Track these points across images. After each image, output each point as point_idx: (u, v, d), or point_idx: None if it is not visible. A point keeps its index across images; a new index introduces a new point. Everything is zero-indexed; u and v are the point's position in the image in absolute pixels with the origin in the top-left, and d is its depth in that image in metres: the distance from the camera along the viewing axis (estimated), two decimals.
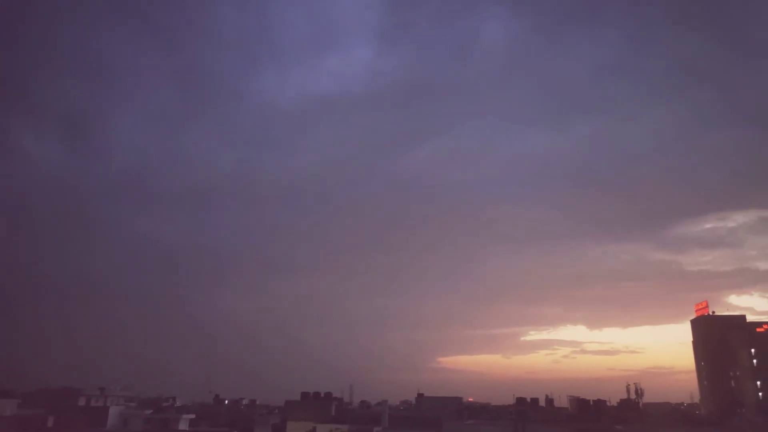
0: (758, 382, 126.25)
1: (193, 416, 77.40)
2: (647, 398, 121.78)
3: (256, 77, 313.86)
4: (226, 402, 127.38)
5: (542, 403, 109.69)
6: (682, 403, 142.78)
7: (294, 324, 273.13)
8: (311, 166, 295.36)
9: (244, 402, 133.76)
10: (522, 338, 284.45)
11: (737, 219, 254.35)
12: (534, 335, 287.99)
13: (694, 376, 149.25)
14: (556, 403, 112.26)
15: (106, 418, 70.32)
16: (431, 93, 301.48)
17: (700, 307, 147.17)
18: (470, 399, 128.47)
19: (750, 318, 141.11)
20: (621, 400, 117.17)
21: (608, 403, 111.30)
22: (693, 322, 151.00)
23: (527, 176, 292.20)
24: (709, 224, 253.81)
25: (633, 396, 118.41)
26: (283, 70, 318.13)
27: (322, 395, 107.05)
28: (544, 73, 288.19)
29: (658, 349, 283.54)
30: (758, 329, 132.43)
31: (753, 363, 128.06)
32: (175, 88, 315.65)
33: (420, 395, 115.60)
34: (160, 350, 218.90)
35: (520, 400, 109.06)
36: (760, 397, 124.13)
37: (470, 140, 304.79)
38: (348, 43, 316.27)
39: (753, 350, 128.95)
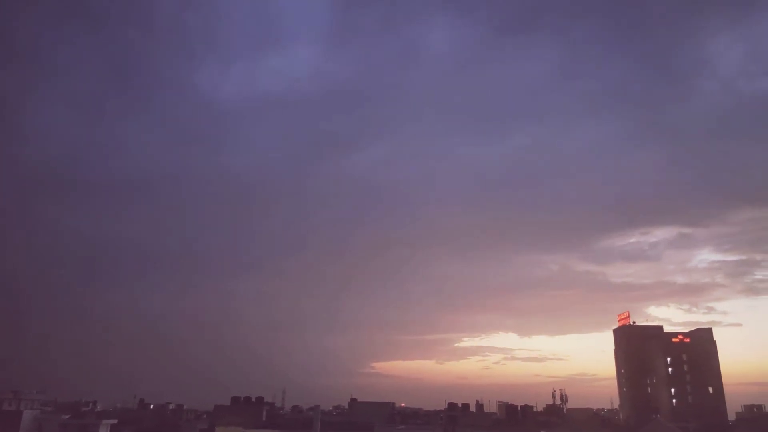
0: (672, 389, 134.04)
1: (114, 421, 73.96)
2: (571, 404, 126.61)
3: (194, 70, 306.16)
4: (152, 407, 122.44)
5: (473, 408, 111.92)
6: (603, 409, 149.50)
7: (225, 326, 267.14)
8: (249, 164, 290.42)
9: (171, 407, 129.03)
10: (455, 344, 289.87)
11: (658, 234, 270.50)
12: (467, 342, 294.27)
13: (614, 382, 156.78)
14: (486, 409, 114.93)
15: (19, 422, 66.00)
16: (376, 96, 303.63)
17: (622, 317, 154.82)
18: (402, 404, 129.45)
19: (667, 328, 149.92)
20: (547, 405, 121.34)
21: (534, 409, 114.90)
22: (615, 331, 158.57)
23: (466, 182, 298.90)
24: (632, 238, 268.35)
25: (558, 402, 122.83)
26: (223, 65, 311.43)
27: (253, 400, 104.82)
28: (486, 82, 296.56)
29: (582, 356, 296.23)
30: (673, 339, 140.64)
31: (668, 371, 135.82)
32: (108, 78, 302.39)
33: (353, 400, 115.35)
34: (80, 353, 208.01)
35: (451, 406, 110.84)
36: (674, 404, 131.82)
37: (413, 144, 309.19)
38: (293, 41, 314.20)
39: (668, 359, 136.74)
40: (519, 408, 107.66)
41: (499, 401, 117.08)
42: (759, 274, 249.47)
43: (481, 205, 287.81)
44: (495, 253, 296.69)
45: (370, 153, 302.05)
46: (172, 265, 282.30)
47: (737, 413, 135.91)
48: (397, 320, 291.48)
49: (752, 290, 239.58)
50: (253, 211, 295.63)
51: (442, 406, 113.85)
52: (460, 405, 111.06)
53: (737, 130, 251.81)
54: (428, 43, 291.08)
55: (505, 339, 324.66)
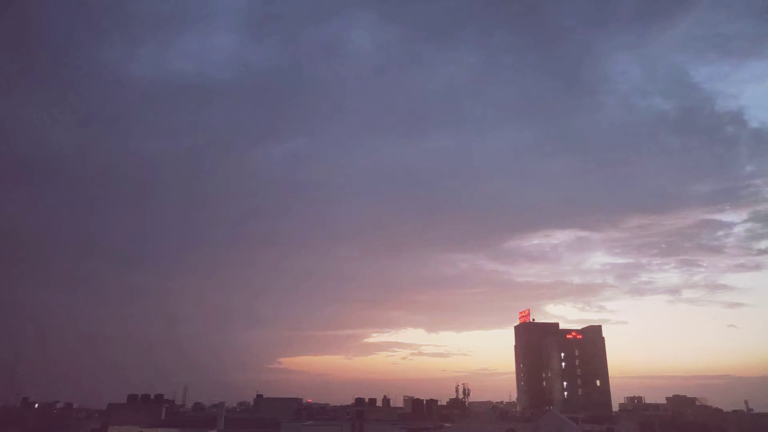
0: (565, 383, 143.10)
1: None
2: (473, 397, 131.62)
3: (101, 47, 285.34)
4: (36, 405, 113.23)
5: (380, 403, 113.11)
6: (502, 402, 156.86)
7: (122, 320, 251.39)
8: (157, 149, 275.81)
9: (59, 405, 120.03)
10: (365, 340, 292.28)
11: (559, 237, 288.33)
12: (376, 337, 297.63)
13: (514, 377, 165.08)
14: (393, 403, 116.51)
15: None
16: (294, 89, 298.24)
17: (523, 314, 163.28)
18: (309, 400, 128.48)
19: (562, 325, 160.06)
20: (450, 399, 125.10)
21: (439, 403, 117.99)
22: (516, 328, 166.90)
23: (382, 181, 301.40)
24: (536, 240, 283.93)
25: (460, 395, 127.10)
26: (133, 44, 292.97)
27: (152, 397, 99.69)
28: (406, 83, 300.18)
29: (486, 352, 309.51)
30: (568, 336, 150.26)
31: (562, 365, 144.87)
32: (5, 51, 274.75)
33: (259, 396, 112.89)
34: None
35: (359, 401, 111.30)
36: (566, 396, 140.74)
37: (330, 140, 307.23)
38: (210, 26, 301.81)
39: (562, 354, 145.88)
40: (424, 402, 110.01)
41: (405, 396, 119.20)
42: (644, 277, 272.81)
43: (395, 203, 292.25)
44: (407, 250, 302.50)
45: (286, 146, 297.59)
46: (64, 253, 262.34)
47: (620, 404, 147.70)
48: (306, 315, 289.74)
49: (638, 291, 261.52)
50: (159, 200, 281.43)
51: (350, 402, 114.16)
52: (367, 400, 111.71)
53: (633, 143, 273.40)
54: (351, 39, 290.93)
55: (413, 335, 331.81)
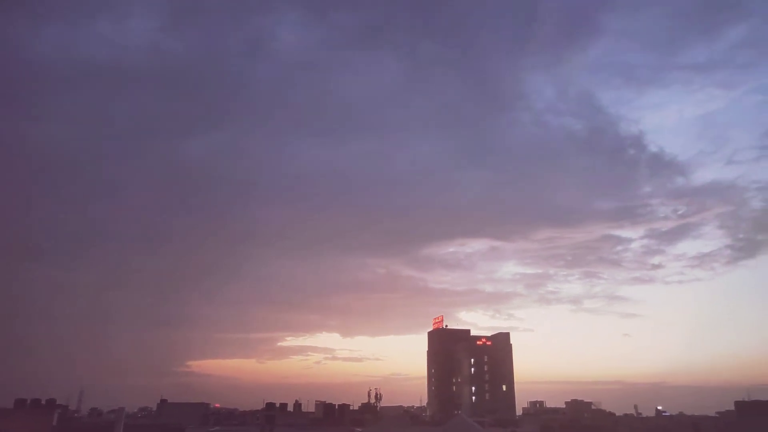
0: (473, 387, 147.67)
1: None
2: (385, 402, 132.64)
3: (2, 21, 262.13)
4: None
5: (291, 407, 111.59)
6: (413, 406, 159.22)
7: (8, 317, 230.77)
8: (63, 135, 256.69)
9: None
10: (278, 343, 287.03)
11: (474, 246, 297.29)
12: (290, 341, 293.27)
13: (426, 382, 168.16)
14: (305, 408, 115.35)
15: None
16: (215, 82, 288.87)
17: (437, 320, 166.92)
18: (217, 405, 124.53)
19: (474, 332, 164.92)
20: (362, 404, 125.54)
21: (351, 407, 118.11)
22: (429, 333, 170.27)
23: (302, 183, 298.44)
24: (452, 248, 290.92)
25: (372, 400, 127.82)
26: (39, 22, 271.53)
27: (43, 402, 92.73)
28: (329, 86, 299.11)
29: (399, 357, 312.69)
30: (478, 342, 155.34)
31: (471, 371, 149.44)
32: None
33: (163, 401, 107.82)
34: None
35: (269, 405, 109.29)
36: (474, 400, 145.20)
37: (250, 138, 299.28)
38: (128, 10, 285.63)
39: (472, 360, 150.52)
40: (336, 407, 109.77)
41: (317, 401, 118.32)
42: (551, 287, 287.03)
43: (314, 206, 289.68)
44: (325, 254, 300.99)
45: (203, 141, 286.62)
46: None
47: (524, 408, 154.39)
48: (217, 317, 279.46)
49: (544, 300, 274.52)
50: (59, 190, 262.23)
51: (261, 406, 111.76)
52: (278, 405, 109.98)
53: (545, 159, 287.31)
54: (276, 37, 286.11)
55: (328, 339, 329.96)
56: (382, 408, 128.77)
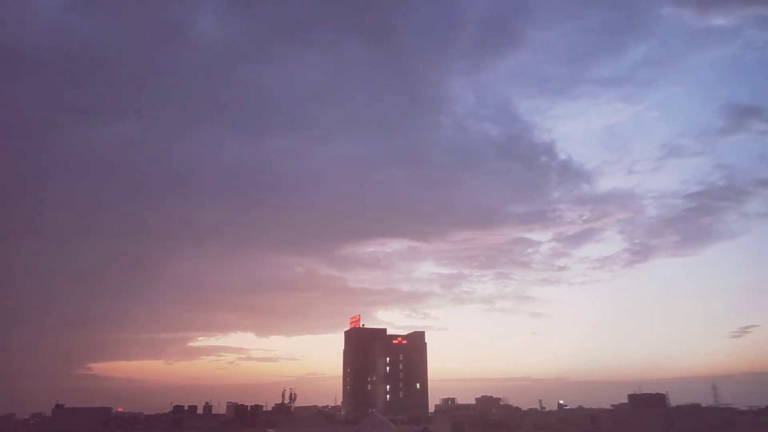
0: (388, 386, 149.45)
1: None
2: (300, 402, 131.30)
3: None
4: None
5: (201, 410, 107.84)
6: (327, 406, 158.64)
7: None
8: None
9: None
10: (189, 344, 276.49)
11: (393, 246, 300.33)
12: (202, 341, 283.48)
13: (341, 381, 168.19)
14: (216, 410, 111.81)
15: None
16: (130, 70, 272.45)
17: (354, 319, 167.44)
18: (120, 409, 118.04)
19: (390, 331, 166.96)
20: (276, 404, 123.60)
21: (264, 408, 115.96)
22: (346, 333, 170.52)
23: (217, 177, 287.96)
24: (371, 248, 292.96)
25: (287, 401, 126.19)
26: None
27: None
28: (250, 80, 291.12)
29: (316, 356, 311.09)
30: (394, 341, 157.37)
31: (386, 370, 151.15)
32: None
33: (58, 406, 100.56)
34: None
35: (177, 408, 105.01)
36: (388, 399, 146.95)
37: (167, 131, 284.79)
38: None
39: (388, 359, 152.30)
40: (249, 408, 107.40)
41: (229, 402, 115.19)
42: (465, 287, 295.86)
43: (232, 201, 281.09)
44: (242, 251, 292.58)
45: (118, 131, 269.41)
46: None
47: (436, 405, 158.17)
48: (122, 317, 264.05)
49: (459, 300, 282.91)
50: None
51: (168, 410, 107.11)
52: (187, 407, 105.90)
53: (464, 163, 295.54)
54: (196, 25, 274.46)
55: (242, 339, 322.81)
56: (297, 408, 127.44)
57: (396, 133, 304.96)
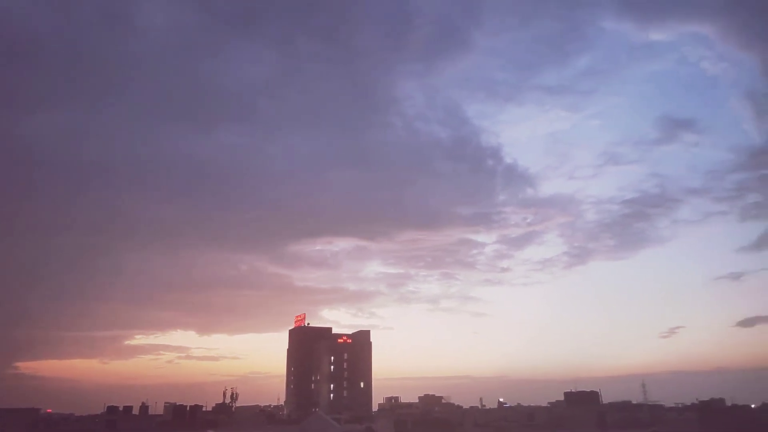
0: (332, 385, 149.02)
1: None
2: (242, 402, 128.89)
3: None
4: None
5: (137, 411, 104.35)
6: (270, 405, 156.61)
7: None
8: None
9: None
10: (126, 342, 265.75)
11: (340, 245, 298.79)
12: (140, 339, 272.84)
13: (285, 380, 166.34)
14: (153, 410, 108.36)
15: None
16: (68, 56, 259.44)
17: (299, 318, 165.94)
18: (49, 410, 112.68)
19: (335, 330, 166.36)
20: (216, 404, 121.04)
21: (204, 408, 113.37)
22: (291, 331, 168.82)
23: (160, 170, 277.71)
24: (318, 246, 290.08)
25: (228, 400, 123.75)
26: None
27: None
28: (198, 72, 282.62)
29: (259, 355, 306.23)
30: (339, 340, 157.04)
31: (330, 369, 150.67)
32: None
33: None
34: None
35: (111, 409, 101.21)
36: (332, 398, 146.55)
37: (107, 120, 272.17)
38: None
39: (332, 358, 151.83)
40: (188, 408, 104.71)
41: (167, 402, 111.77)
42: (411, 286, 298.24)
43: (175, 196, 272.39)
44: (184, 247, 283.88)
45: (49, 118, 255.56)
46: None
47: (380, 404, 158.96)
48: (54, 314, 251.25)
49: (404, 299, 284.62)
50: None
51: (101, 410, 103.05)
52: (122, 408, 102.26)
53: (413, 164, 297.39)
54: (141, 13, 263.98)
55: (183, 337, 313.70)
56: (238, 408, 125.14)
57: (347, 132, 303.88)
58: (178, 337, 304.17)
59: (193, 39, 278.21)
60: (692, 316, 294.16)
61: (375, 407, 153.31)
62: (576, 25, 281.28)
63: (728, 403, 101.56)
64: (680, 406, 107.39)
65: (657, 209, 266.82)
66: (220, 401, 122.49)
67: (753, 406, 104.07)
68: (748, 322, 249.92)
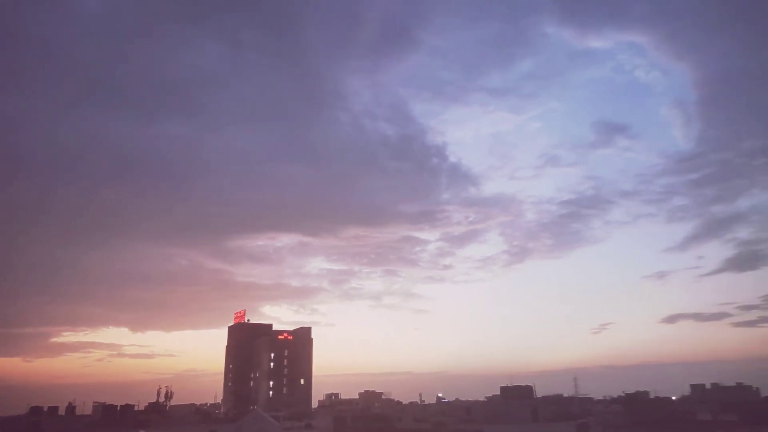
0: (271, 382, 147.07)
1: None
2: (177, 400, 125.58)
3: None
4: None
5: (63, 411, 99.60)
6: (206, 403, 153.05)
7: None
8: None
9: None
10: (53, 339, 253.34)
11: (283, 240, 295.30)
12: (69, 336, 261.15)
13: (222, 378, 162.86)
14: (81, 411, 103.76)
15: None
16: (5, 43, 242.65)
17: (239, 314, 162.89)
18: None
19: (276, 326, 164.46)
20: (149, 403, 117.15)
21: (137, 407, 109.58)
22: (230, 328, 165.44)
23: (96, 161, 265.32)
24: (261, 242, 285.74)
25: (162, 399, 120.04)
26: None
27: None
28: (137, 60, 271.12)
29: (196, 352, 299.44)
30: (279, 337, 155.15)
31: (270, 366, 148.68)
32: None
33: None
34: None
35: (35, 410, 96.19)
36: (271, 395, 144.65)
37: (43, 107, 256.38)
38: None
39: (272, 354, 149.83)
40: (118, 408, 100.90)
41: (95, 402, 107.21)
42: (354, 283, 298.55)
43: (110, 188, 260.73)
44: (118, 241, 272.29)
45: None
46: None
47: (320, 401, 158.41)
48: None
49: (347, 296, 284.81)
50: None
51: (24, 411, 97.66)
52: (46, 408, 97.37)
53: (358, 160, 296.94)
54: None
55: (115, 334, 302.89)
56: (173, 407, 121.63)
57: (292, 126, 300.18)
58: (110, 334, 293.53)
59: (132, 26, 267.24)
60: (621, 313, 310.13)
61: (315, 404, 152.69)
62: (520, 30, 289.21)
63: (652, 395, 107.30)
64: (608, 398, 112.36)
65: (592, 210, 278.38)
66: (154, 400, 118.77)
67: (674, 398, 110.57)
68: (671, 319, 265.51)
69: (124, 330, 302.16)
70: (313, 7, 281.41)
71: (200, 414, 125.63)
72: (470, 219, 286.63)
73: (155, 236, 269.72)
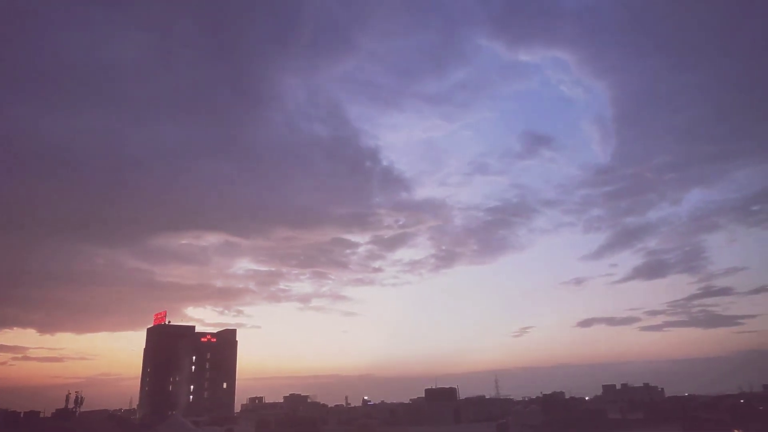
0: (192, 386, 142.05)
1: None
2: (89, 406, 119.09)
3: None
4: None
5: None
6: (120, 409, 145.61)
7: None
8: None
9: None
10: None
11: (209, 240, 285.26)
12: None
13: (139, 382, 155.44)
14: None
15: None
16: None
17: (159, 316, 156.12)
18: None
19: (199, 328, 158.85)
20: (57, 409, 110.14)
21: (42, 414, 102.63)
22: (149, 330, 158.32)
23: (12, 154, 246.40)
24: (185, 240, 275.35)
25: (71, 405, 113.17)
26: None
27: None
28: (55, 49, 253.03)
29: (112, 356, 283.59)
30: (202, 339, 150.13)
31: (192, 369, 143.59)
32: None
33: None
34: None
35: None
36: (191, 400, 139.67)
37: None
38: None
39: (194, 357, 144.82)
40: (22, 415, 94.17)
41: None
42: (282, 285, 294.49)
43: (18, 181, 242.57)
44: (28, 238, 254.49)
45: None
46: None
47: (243, 405, 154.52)
48: None
49: (274, 297, 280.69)
50: None
51: None
52: None
53: (291, 161, 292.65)
54: None
55: (20, 336, 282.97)
56: (83, 413, 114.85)
57: (223, 123, 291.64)
58: (15, 336, 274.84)
59: (49, 12, 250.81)
60: (540, 317, 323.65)
61: (238, 408, 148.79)
62: (455, 40, 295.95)
63: (567, 395, 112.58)
64: (527, 399, 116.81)
65: (517, 218, 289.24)
66: (62, 406, 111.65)
67: (587, 398, 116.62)
68: (586, 323, 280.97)
69: (31, 332, 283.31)
70: (250, 3, 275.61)
71: (114, 420, 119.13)
72: (401, 223, 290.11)
73: (68, 233, 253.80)
